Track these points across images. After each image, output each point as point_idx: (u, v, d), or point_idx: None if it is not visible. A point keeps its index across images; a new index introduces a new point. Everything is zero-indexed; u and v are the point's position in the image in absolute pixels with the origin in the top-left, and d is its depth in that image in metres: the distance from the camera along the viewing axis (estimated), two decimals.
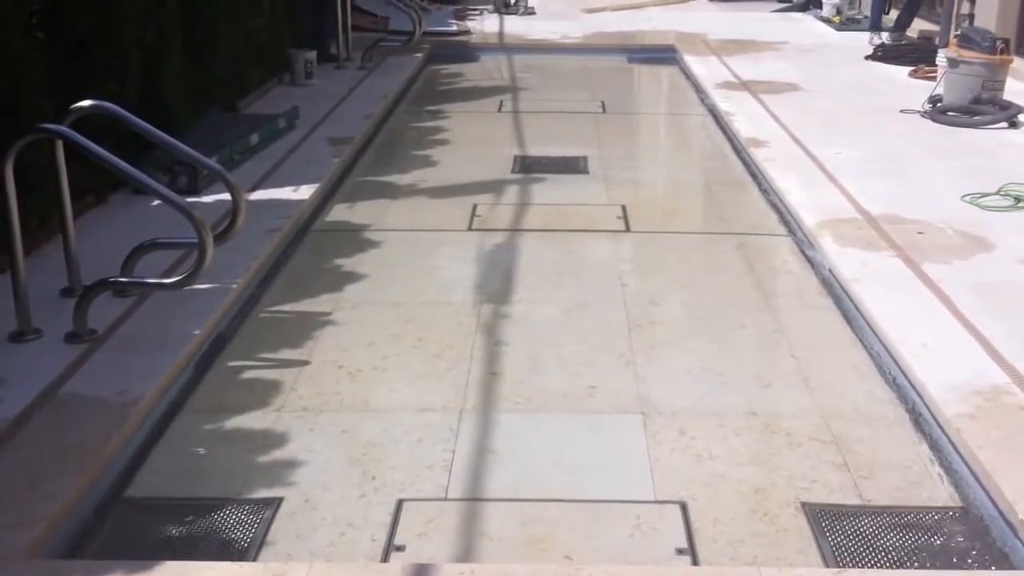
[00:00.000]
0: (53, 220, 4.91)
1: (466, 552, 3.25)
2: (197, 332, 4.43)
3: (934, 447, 3.79)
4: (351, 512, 3.44)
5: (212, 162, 5.05)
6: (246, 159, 7.04)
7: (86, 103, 4.62)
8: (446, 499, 3.53)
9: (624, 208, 6.56)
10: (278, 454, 3.79)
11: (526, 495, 3.55)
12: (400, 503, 3.48)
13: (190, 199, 5.48)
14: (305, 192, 6.41)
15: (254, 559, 3.20)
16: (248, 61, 8.73)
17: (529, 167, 7.55)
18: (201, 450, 3.83)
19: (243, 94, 8.69)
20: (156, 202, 5.46)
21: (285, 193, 6.39)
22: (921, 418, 3.95)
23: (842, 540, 3.30)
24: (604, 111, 9.44)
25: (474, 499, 3.53)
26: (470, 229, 6.23)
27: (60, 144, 4.45)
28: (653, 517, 3.42)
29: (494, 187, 7.05)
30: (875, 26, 12.15)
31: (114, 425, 3.67)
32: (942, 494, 3.56)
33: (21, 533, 3.07)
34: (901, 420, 4.02)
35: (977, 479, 3.46)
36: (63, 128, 4.34)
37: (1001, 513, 3.28)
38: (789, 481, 3.63)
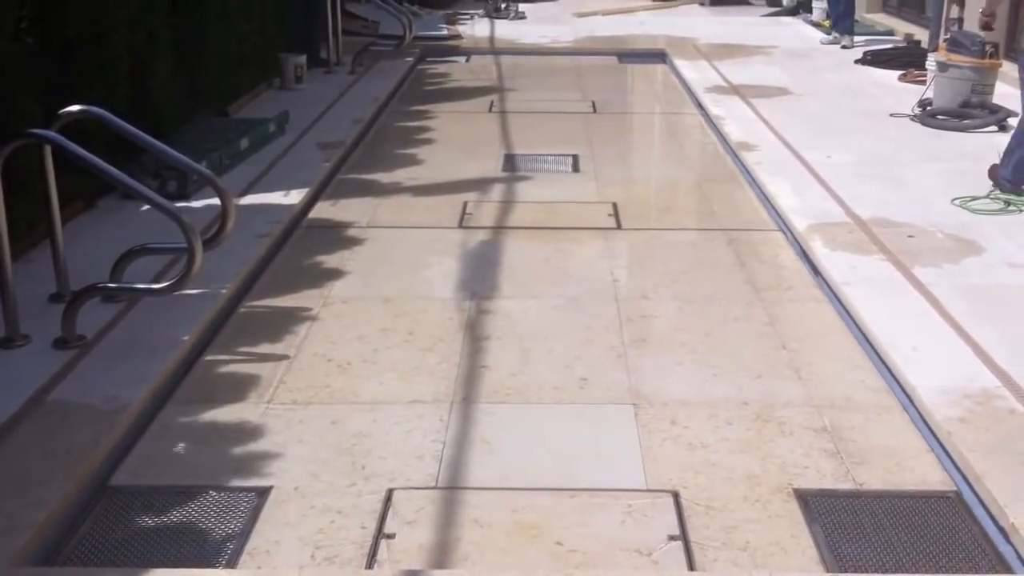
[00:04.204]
0: (41, 225, 4.88)
1: (457, 539, 3.25)
2: (186, 337, 4.42)
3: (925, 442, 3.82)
4: (340, 500, 3.45)
5: (201, 167, 5.04)
6: (236, 163, 7.03)
7: (75, 108, 4.60)
8: (436, 487, 3.53)
9: (615, 206, 6.57)
10: (267, 445, 3.79)
11: (517, 484, 3.56)
12: (390, 492, 3.49)
13: (179, 204, 5.47)
14: (295, 196, 6.39)
15: (243, 545, 3.21)
16: (238, 65, 8.71)
17: (520, 165, 7.57)
18: (185, 444, 3.80)
19: (233, 98, 8.68)
20: (145, 207, 5.47)
21: (275, 197, 6.37)
22: (912, 420, 3.95)
23: (834, 525, 3.32)
24: (595, 111, 9.46)
25: (465, 488, 3.54)
26: (461, 226, 6.24)
27: (48, 149, 4.43)
28: (645, 504, 3.43)
29: (485, 185, 7.06)
30: (836, 25, 12.31)
31: (103, 431, 3.65)
32: (934, 480, 3.58)
33: (8, 540, 3.05)
34: (892, 408, 4.05)
35: (968, 482, 3.47)
36: (51, 133, 4.32)
37: (992, 517, 3.29)
38: (781, 468, 3.64)
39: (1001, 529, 3.22)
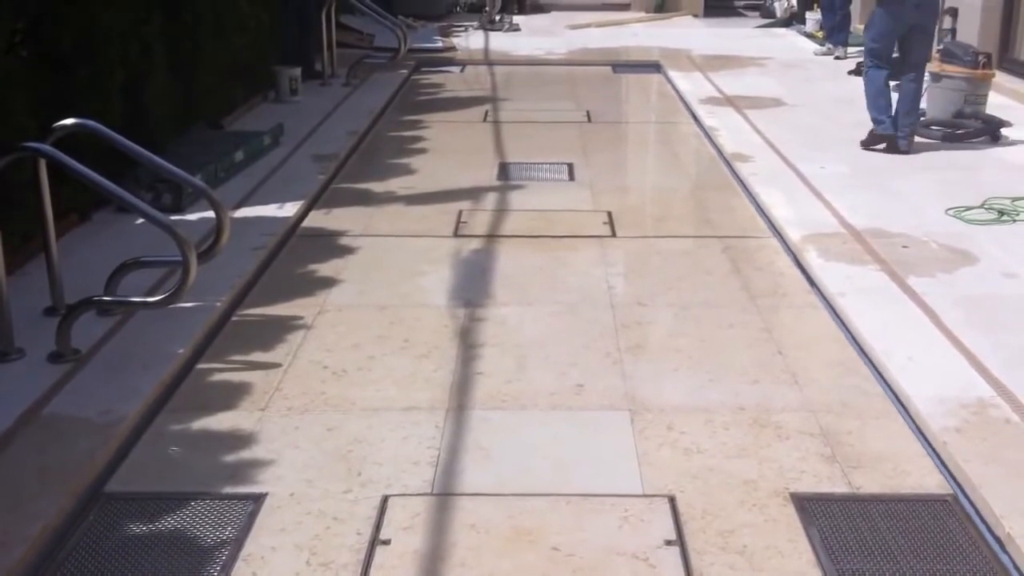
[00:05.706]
0: (36, 239, 4.88)
1: (453, 545, 3.25)
2: (181, 350, 4.41)
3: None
4: (336, 507, 3.45)
5: (196, 180, 5.04)
6: (231, 176, 7.03)
7: (69, 121, 4.60)
8: (432, 494, 3.53)
9: (610, 214, 6.58)
10: (263, 452, 3.79)
11: (513, 490, 3.56)
12: (386, 498, 3.49)
13: (174, 217, 5.48)
14: (290, 208, 6.39)
15: (238, 552, 3.20)
16: (233, 78, 8.72)
17: (515, 174, 7.58)
18: (180, 451, 3.80)
19: (228, 111, 8.68)
20: (140, 220, 5.45)
21: (270, 210, 6.37)
22: (908, 427, 3.95)
23: (831, 529, 3.33)
24: (589, 121, 9.48)
25: (461, 494, 3.54)
26: (456, 235, 6.24)
27: (43, 163, 4.43)
28: (641, 509, 3.43)
29: (480, 194, 7.07)
30: (830, 36, 12.37)
31: (98, 444, 3.65)
32: (930, 484, 3.59)
33: (3, 554, 3.04)
34: (888, 413, 4.06)
35: (964, 492, 3.47)
36: (45, 147, 4.32)
37: (989, 527, 3.29)
38: (778, 473, 3.65)
39: (998, 539, 3.23)
